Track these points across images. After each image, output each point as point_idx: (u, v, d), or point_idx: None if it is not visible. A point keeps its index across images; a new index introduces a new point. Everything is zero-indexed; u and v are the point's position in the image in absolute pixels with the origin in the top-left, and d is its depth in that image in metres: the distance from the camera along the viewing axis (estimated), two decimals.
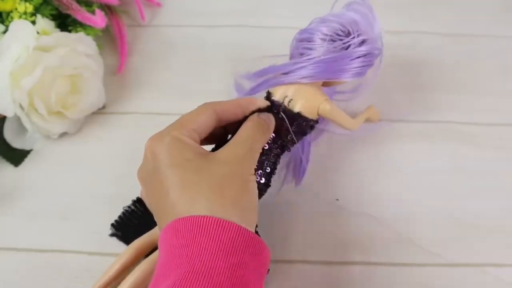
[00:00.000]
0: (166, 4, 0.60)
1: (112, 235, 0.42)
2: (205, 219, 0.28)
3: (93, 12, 0.50)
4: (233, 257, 0.28)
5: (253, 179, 0.32)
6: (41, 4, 0.48)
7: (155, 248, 0.38)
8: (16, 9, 0.47)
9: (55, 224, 0.43)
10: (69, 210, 0.44)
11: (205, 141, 0.36)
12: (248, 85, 0.49)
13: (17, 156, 0.47)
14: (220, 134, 0.38)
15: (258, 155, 0.34)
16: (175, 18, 0.59)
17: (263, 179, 0.37)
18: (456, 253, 0.41)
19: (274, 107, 0.39)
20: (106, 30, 0.53)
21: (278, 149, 0.38)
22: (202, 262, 0.27)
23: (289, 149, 0.39)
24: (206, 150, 0.33)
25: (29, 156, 0.47)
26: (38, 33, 0.46)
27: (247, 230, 0.29)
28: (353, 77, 0.39)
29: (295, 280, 0.40)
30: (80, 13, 0.49)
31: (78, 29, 0.50)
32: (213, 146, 0.38)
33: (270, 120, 0.37)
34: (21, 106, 0.44)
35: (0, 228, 0.43)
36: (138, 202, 0.43)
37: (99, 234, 0.42)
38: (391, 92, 0.52)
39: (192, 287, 0.26)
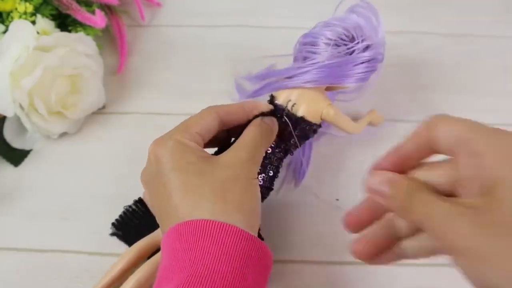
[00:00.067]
0: (166, 4, 0.60)
1: (112, 234, 0.42)
2: (208, 223, 0.28)
3: (93, 12, 0.50)
4: (236, 261, 0.28)
5: (256, 183, 0.32)
6: (41, 4, 0.48)
7: (157, 250, 0.38)
8: (16, 9, 0.47)
9: (55, 224, 0.43)
10: (69, 210, 0.44)
11: (209, 144, 0.36)
12: (249, 86, 0.49)
13: (17, 156, 0.47)
14: (223, 138, 0.38)
15: (261, 159, 0.34)
16: (175, 18, 0.59)
17: (266, 182, 0.37)
18: None
19: (277, 111, 0.39)
20: (106, 30, 0.53)
21: (281, 153, 0.38)
22: (205, 266, 0.27)
23: (292, 152, 0.39)
24: (209, 154, 0.33)
25: (29, 156, 0.47)
26: (38, 33, 0.46)
27: (250, 234, 0.29)
28: (357, 82, 0.39)
29: (295, 280, 0.40)
30: (80, 13, 0.49)
31: (78, 29, 0.50)
32: (216, 149, 0.38)
33: (273, 124, 0.37)
34: (21, 106, 0.44)
35: (0, 228, 0.43)
36: (140, 202, 0.43)
37: (99, 234, 0.42)
38: (392, 92, 0.52)
39: None
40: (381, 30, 0.42)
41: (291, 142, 0.38)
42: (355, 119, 0.44)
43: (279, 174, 0.39)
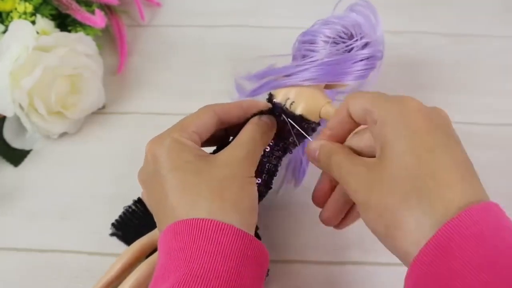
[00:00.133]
0: (166, 4, 0.60)
1: (112, 234, 0.42)
2: (204, 222, 0.28)
3: (92, 12, 0.50)
4: (232, 260, 0.28)
5: (253, 181, 0.32)
6: (40, 4, 0.48)
7: (155, 249, 0.38)
8: (15, 9, 0.47)
9: (55, 224, 0.43)
10: (69, 210, 0.44)
11: (206, 143, 0.36)
12: (248, 85, 0.49)
13: (17, 156, 0.47)
14: (221, 136, 0.38)
15: (259, 157, 0.34)
16: (175, 18, 0.59)
17: (264, 181, 0.37)
18: None
19: (276, 109, 0.39)
20: (106, 30, 0.53)
21: (279, 151, 0.38)
22: (200, 265, 0.27)
23: (291, 151, 0.39)
24: (207, 152, 0.33)
25: (29, 156, 0.47)
26: (37, 33, 0.46)
27: (246, 233, 0.29)
28: (356, 80, 0.39)
29: (295, 280, 0.40)
30: (79, 13, 0.49)
31: (78, 29, 0.50)
32: (214, 148, 0.38)
33: (271, 122, 0.37)
34: (21, 106, 0.44)
35: (0, 228, 0.43)
36: (139, 202, 0.43)
37: (99, 234, 0.42)
38: (391, 92, 0.51)
39: None
40: (380, 28, 0.42)
41: (290, 140, 0.38)
42: None
43: (279, 174, 0.39)
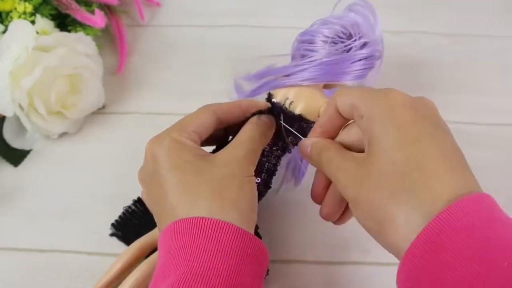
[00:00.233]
0: (166, 4, 0.60)
1: (112, 234, 0.42)
2: (204, 220, 0.28)
3: (92, 12, 0.50)
4: (231, 259, 0.28)
5: (252, 181, 0.32)
6: (40, 4, 0.48)
7: (155, 249, 0.38)
8: (15, 9, 0.47)
9: (55, 224, 0.43)
10: (69, 210, 0.44)
11: (206, 142, 0.36)
12: (248, 85, 0.49)
13: (16, 156, 0.47)
14: (220, 136, 0.38)
15: (258, 157, 0.34)
16: (175, 18, 0.59)
17: (264, 180, 0.37)
18: None
19: (275, 109, 0.39)
20: (106, 30, 0.53)
21: (279, 151, 0.38)
22: (200, 263, 0.27)
23: (290, 150, 0.39)
24: (206, 152, 0.33)
25: (29, 156, 0.47)
26: (37, 33, 0.46)
27: (246, 231, 0.29)
28: (354, 79, 0.39)
29: (295, 280, 0.40)
30: (79, 13, 0.49)
31: (78, 29, 0.50)
32: (213, 147, 0.38)
33: (270, 122, 0.37)
34: (20, 106, 0.44)
35: (0, 228, 0.43)
36: (139, 202, 0.43)
37: (99, 234, 0.42)
38: None
39: None
40: (379, 28, 0.42)
41: (289, 140, 0.38)
42: None
43: (278, 173, 0.39)
